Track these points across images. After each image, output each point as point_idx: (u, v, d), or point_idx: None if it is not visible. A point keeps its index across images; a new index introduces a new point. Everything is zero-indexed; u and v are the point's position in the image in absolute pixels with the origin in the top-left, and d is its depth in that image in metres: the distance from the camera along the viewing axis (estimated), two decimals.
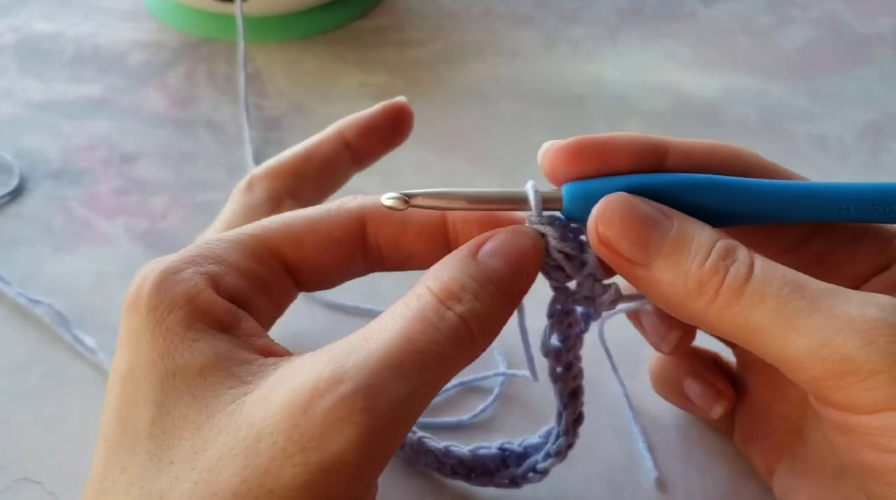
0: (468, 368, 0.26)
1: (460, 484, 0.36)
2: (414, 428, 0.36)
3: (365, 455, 0.22)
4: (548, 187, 0.28)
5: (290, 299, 0.30)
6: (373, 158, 0.39)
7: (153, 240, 0.48)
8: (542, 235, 0.28)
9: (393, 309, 0.25)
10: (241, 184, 0.37)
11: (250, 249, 0.28)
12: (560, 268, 0.28)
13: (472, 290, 0.25)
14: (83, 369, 0.41)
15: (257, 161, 0.52)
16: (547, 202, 0.28)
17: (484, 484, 0.35)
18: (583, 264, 0.28)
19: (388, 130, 0.39)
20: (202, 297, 0.26)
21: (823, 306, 0.23)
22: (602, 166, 0.27)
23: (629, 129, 0.55)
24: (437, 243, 0.29)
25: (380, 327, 0.24)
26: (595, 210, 0.26)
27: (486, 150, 0.53)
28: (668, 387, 0.37)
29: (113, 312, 0.44)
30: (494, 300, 0.25)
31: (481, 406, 0.39)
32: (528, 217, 0.28)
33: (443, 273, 0.26)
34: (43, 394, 0.40)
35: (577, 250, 0.28)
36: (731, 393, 0.35)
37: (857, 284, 0.28)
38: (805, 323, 0.23)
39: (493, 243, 0.27)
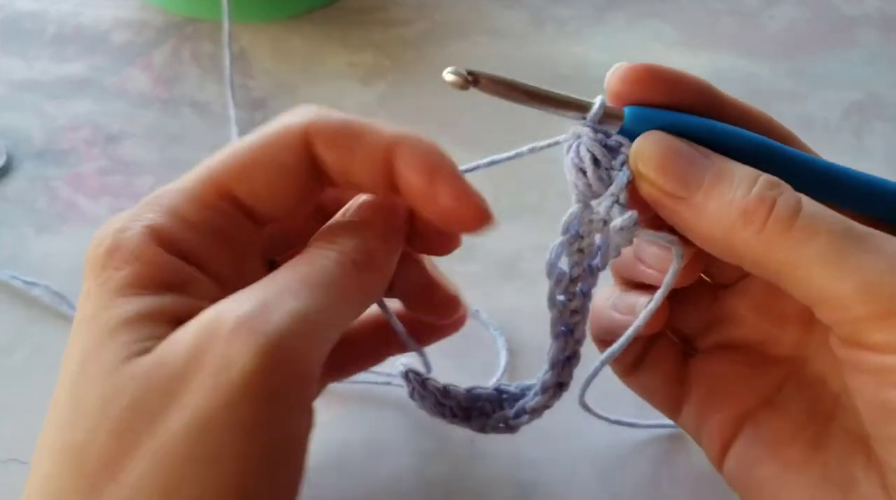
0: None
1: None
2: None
3: (272, 367, 0.23)
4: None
5: (254, 244, 0.29)
6: None
7: None
8: (578, 135, 0.28)
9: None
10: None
11: (198, 196, 0.27)
12: (583, 171, 0.28)
13: (343, 234, 0.28)
14: None
15: None
16: (607, 118, 0.28)
17: (482, 428, 0.34)
18: (610, 180, 0.28)
19: None
20: (149, 255, 0.26)
21: (876, 245, 0.23)
22: (671, 95, 0.27)
23: None
24: (383, 178, 0.28)
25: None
26: (633, 148, 0.27)
27: (472, 129, 0.53)
28: (602, 311, 0.34)
29: None
30: (369, 239, 0.28)
31: None
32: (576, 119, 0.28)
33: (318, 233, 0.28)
34: (29, 375, 0.40)
35: (608, 159, 0.27)
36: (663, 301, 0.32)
37: None
38: (856, 260, 0.23)
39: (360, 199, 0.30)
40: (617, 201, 0.27)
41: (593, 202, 0.28)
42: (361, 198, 0.30)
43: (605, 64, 0.26)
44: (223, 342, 0.23)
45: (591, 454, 0.37)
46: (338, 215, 0.30)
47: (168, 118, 0.54)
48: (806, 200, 0.25)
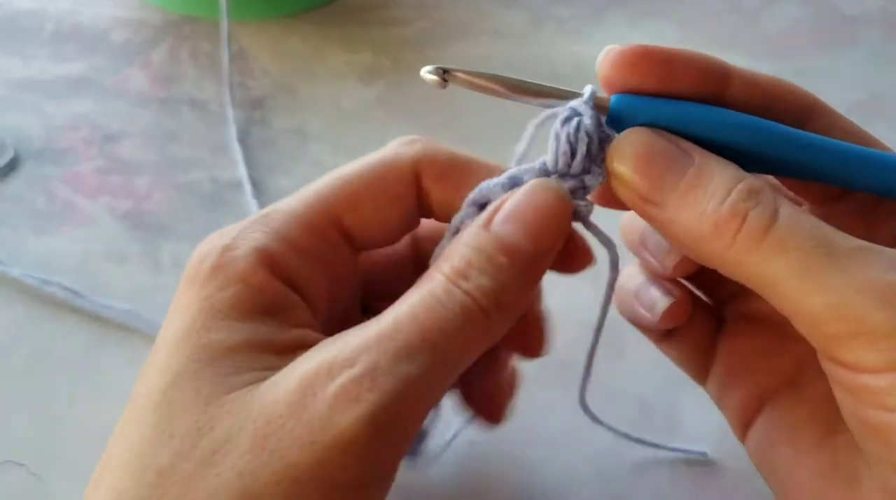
0: None
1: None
2: None
3: (371, 434, 0.22)
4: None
5: (350, 271, 0.29)
6: None
7: (137, 220, 0.47)
8: (579, 114, 0.26)
9: (406, 294, 0.25)
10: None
11: (308, 222, 0.27)
12: (573, 153, 0.26)
13: (478, 265, 0.24)
14: (68, 350, 0.41)
15: (241, 140, 0.52)
16: (597, 109, 0.26)
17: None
18: (589, 169, 0.26)
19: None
20: (256, 277, 0.26)
21: (847, 264, 0.23)
22: (663, 80, 0.26)
23: None
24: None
25: (390, 310, 0.24)
26: (612, 145, 0.26)
27: (472, 129, 0.53)
28: (626, 296, 0.33)
29: (98, 292, 0.43)
30: (507, 273, 0.24)
31: None
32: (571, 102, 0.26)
33: (453, 249, 0.25)
34: (27, 375, 0.40)
35: (600, 152, 0.26)
36: (685, 297, 0.32)
37: None
38: (825, 280, 0.23)
39: (508, 205, 0.25)
40: (584, 192, 0.27)
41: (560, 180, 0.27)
42: (516, 195, 0.25)
43: None
44: (327, 402, 0.22)
45: (591, 454, 0.37)
46: (489, 211, 0.25)
47: (166, 118, 0.54)
48: (784, 212, 0.24)
